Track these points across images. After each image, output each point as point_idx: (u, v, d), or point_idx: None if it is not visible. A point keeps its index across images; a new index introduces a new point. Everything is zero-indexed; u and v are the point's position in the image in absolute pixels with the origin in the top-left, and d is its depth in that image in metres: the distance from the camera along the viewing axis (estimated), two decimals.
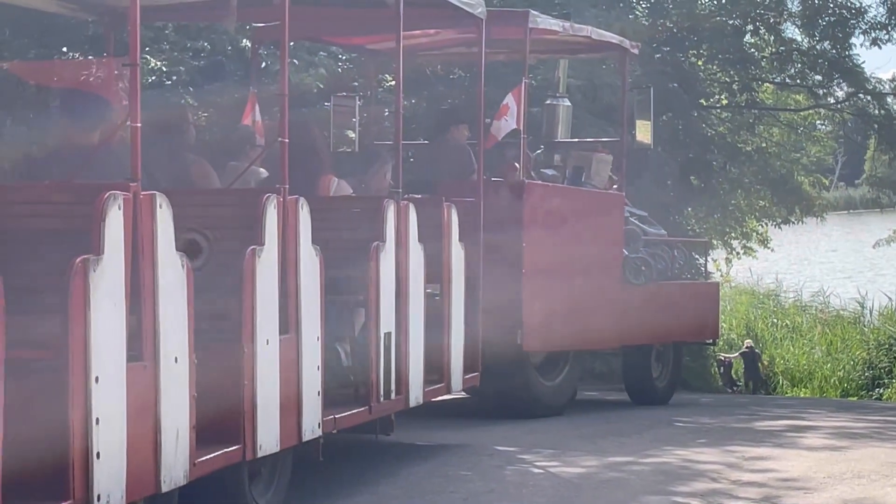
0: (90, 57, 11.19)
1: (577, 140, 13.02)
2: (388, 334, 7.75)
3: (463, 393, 10.20)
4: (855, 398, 21.30)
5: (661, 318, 12.44)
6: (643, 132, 12.26)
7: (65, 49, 12.22)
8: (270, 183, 7.51)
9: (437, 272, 8.68)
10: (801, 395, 21.54)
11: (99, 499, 5.11)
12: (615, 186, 12.25)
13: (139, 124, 5.53)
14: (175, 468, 5.65)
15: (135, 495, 5.39)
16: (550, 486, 7.92)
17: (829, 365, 22.53)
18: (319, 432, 6.96)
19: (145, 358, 5.49)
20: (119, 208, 5.31)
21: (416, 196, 8.77)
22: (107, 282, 5.19)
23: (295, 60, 12.43)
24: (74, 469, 5.02)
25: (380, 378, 7.68)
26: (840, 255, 40.90)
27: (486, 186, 9.84)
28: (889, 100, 19.13)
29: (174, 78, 12.33)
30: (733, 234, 20.38)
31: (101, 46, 11.15)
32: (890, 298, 25.37)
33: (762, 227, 21.38)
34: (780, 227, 21.44)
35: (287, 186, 6.69)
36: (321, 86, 12.60)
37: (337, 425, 7.22)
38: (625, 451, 9.24)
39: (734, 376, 18.95)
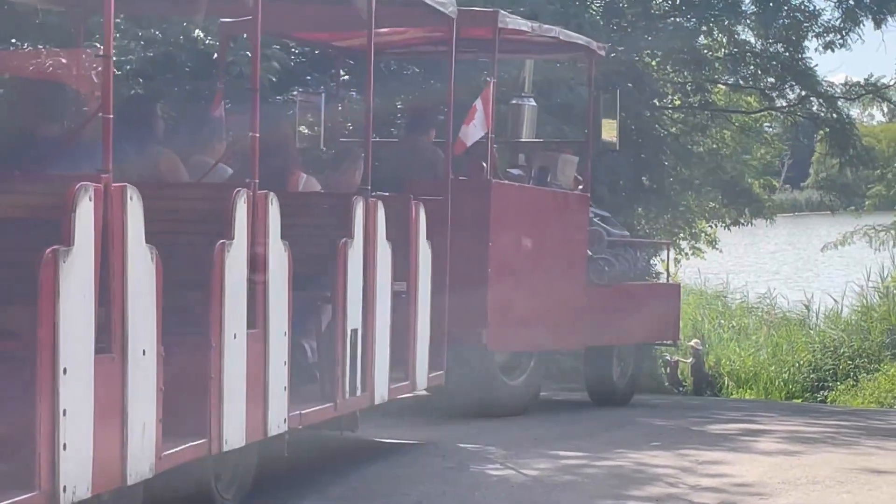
0: (41, 47, 11.07)
1: (542, 140, 13.06)
2: (354, 331, 7.75)
3: (425, 391, 10.19)
4: (800, 400, 21.41)
5: (623, 319, 12.51)
6: (609, 131, 12.31)
7: (13, 39, 12.06)
8: (235, 180, 7.48)
9: (403, 270, 8.68)
10: (747, 397, 21.63)
11: (65, 490, 5.09)
12: (580, 187, 12.30)
13: (111, 115, 5.51)
14: (141, 461, 5.63)
15: (100, 487, 5.37)
16: (503, 490, 7.88)
17: (774, 367, 22.63)
18: (285, 427, 6.95)
19: (113, 350, 5.47)
20: (90, 200, 5.29)
21: (385, 194, 8.76)
22: (76, 273, 5.17)
23: (247, 52, 12.37)
24: (41, 460, 4.99)
25: (346, 375, 7.68)
26: (786, 257, 41.09)
27: (454, 186, 9.86)
28: (840, 103, 19.18)
29: (128, 67, 12.24)
30: (682, 235, 20.45)
31: (50, 35, 11.06)
32: (836, 301, 25.51)
33: (711, 228, 21.46)
34: (729, 229, 21.47)
35: (257, 181, 6.69)
36: (274, 79, 12.54)
37: (303, 421, 7.22)
38: (579, 453, 9.21)
39: (680, 377, 19.04)
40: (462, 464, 8.61)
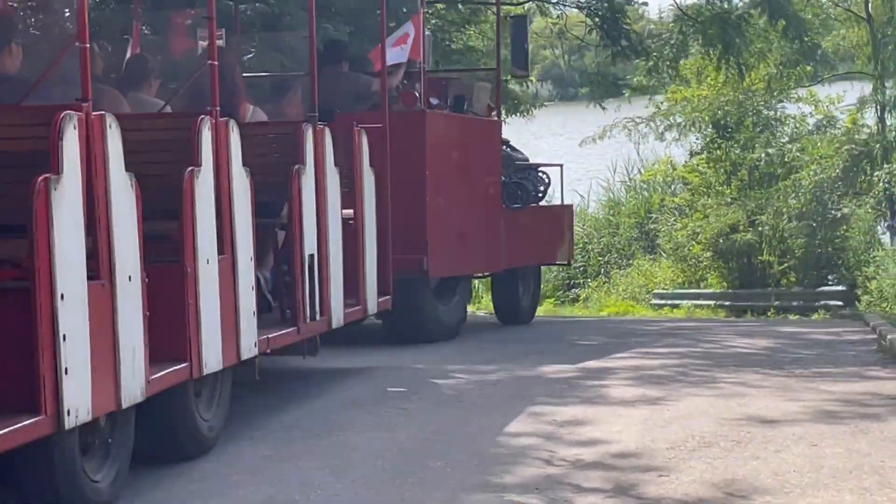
0: None
1: (454, 69, 13.19)
2: (311, 256, 7.87)
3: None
4: (553, 300, 21.23)
5: (530, 241, 12.92)
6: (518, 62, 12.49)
7: None
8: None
9: (349, 197, 8.80)
10: None
11: (69, 413, 5.17)
12: (493, 113, 12.51)
13: (87, 45, 5.55)
14: (133, 385, 5.72)
15: (99, 411, 5.46)
16: (343, 489, 6.15)
17: None
18: (256, 351, 7.07)
19: (102, 276, 5.54)
20: (74, 128, 5.34)
21: (325, 123, 8.83)
22: (67, 200, 5.23)
23: None
24: (45, 384, 5.07)
25: (305, 299, 7.80)
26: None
27: (390, 116, 9.96)
28: None
29: None
30: None
31: None
32: (582, 197, 25.15)
33: None
34: None
35: (218, 108, 6.76)
36: None
37: (270, 345, 7.35)
38: (412, 423, 7.66)
39: None
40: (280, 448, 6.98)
